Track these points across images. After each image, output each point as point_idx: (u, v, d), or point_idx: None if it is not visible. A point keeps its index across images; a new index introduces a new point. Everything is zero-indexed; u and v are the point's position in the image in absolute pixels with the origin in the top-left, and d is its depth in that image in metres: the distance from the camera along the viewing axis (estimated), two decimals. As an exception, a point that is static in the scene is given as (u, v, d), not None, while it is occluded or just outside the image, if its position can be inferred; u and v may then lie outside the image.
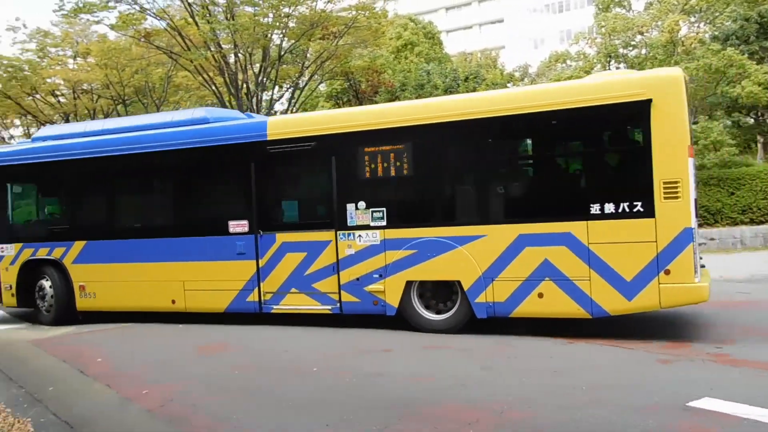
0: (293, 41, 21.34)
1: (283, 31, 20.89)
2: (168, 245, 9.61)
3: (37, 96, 29.11)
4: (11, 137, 37.28)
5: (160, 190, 10.10)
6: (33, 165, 10.62)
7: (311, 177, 8.95)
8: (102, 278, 10.15)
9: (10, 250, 10.74)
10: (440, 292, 8.26)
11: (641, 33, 20.41)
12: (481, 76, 21.39)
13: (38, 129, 34.24)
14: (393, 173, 8.24)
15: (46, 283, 10.58)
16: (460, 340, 7.86)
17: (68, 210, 10.65)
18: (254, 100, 20.85)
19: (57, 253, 10.42)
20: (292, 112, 22.69)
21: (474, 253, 7.82)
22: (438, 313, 8.32)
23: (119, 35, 25.22)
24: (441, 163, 8.13)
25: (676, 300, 6.96)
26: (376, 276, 8.40)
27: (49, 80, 28.49)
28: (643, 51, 20.55)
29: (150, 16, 20.39)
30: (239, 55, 20.63)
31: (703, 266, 7.54)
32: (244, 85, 20.75)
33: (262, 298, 9.11)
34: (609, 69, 21.41)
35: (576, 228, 7.28)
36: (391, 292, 8.35)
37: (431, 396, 5.81)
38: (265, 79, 20.86)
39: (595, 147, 7.45)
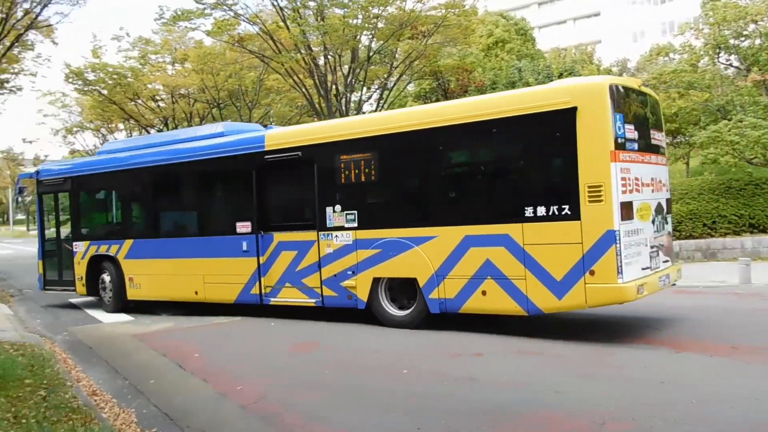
0: (382, 42, 21.52)
1: (372, 32, 21.11)
2: (191, 244, 11.10)
3: (139, 101, 30.86)
4: (115, 141, 39.73)
5: (184, 195, 11.61)
6: (94, 175, 12.57)
7: (299, 183, 9.84)
8: (145, 271, 11.75)
9: (81, 247, 12.66)
10: (405, 289, 8.96)
11: (755, 21, 19.17)
12: (576, 72, 20.77)
13: (140, 133, 36.38)
14: (362, 179, 9.18)
15: (106, 277, 12.36)
16: (552, 346, 7.68)
17: (120, 213, 12.56)
18: (343, 101, 21.17)
19: (113, 250, 12.19)
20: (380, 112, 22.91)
21: (428, 253, 8.55)
22: (401, 308, 9.07)
23: (214, 41, 26.31)
24: (398, 170, 8.97)
25: (600, 300, 7.39)
26: (350, 273, 9.29)
27: (149, 86, 30.14)
28: (757, 41, 19.30)
29: (243, 21, 21.16)
30: (329, 57, 21.02)
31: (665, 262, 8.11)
32: (333, 87, 21.12)
33: (263, 291, 10.24)
34: (717, 61, 20.29)
35: (513, 230, 7.85)
36: (361, 287, 9.21)
37: (526, 403, 5.68)
38: (353, 80, 21.15)
39: (528, 153, 7.95)
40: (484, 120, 8.08)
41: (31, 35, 17.58)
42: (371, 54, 21.58)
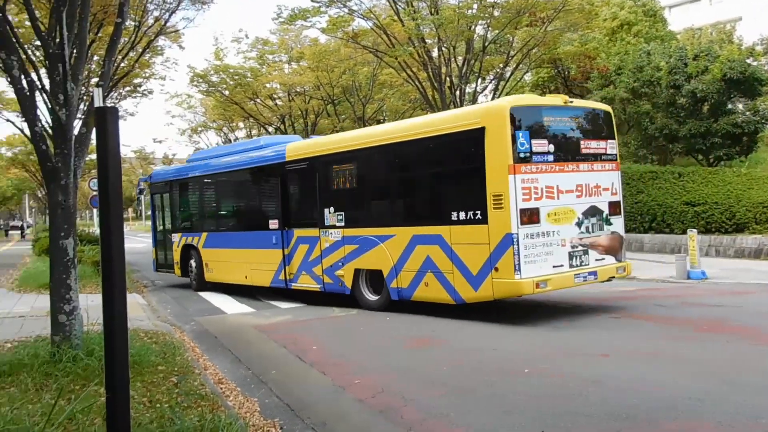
0: (498, 31, 21.12)
1: (488, 21, 20.77)
2: (240, 237, 13.58)
3: (258, 100, 32.25)
4: (236, 139, 41.73)
5: (235, 197, 14.33)
6: (181, 180, 15.68)
7: (309, 188, 11.95)
8: (215, 258, 14.48)
9: (176, 237, 15.81)
10: (375, 278, 10.78)
11: None
12: (713, 53, 19.34)
13: (258, 131, 37.84)
14: (346, 186, 11.24)
15: (192, 262, 15.28)
16: (685, 346, 7.21)
17: (198, 210, 15.42)
18: (458, 93, 20.99)
19: (195, 240, 15.12)
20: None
21: (389, 249, 10.38)
22: (375, 294, 10.84)
23: (329, 38, 26.97)
24: (366, 178, 10.99)
25: (503, 292, 8.88)
26: (340, 264, 11.25)
27: (267, 85, 31.41)
28: None
29: (357, 17, 21.50)
30: (443, 48, 20.91)
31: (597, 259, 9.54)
32: (448, 79, 20.98)
33: (287, 277, 12.38)
34: None
35: (444, 231, 9.50)
36: (347, 276, 11.16)
37: (661, 409, 5.32)
38: (468, 71, 20.90)
39: (453, 165, 9.59)
40: (421, 137, 9.86)
41: (160, 41, 18.81)
42: (486, 44, 21.24)
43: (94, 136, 7.19)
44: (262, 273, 12.96)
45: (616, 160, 10.07)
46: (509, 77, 24.07)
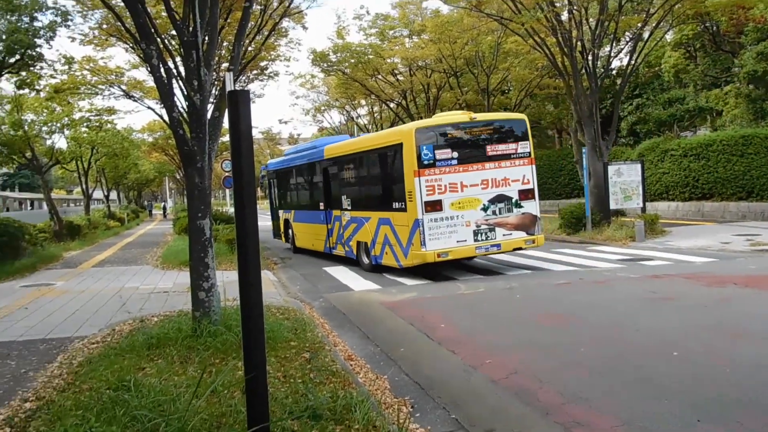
0: (634, -13, 19.83)
1: (623, -23, 19.55)
2: (309, 214, 18.23)
3: (379, 77, 32.52)
4: (358, 116, 42.46)
5: (303, 184, 19.06)
6: (278, 170, 21.35)
7: (336, 179, 16.33)
8: (298, 230, 19.54)
9: (281, 214, 21.28)
10: (366, 248, 14.62)
11: None
12: None
13: (380, 107, 38.13)
14: (350, 179, 15.59)
15: (290, 232, 20.31)
16: None
17: (289, 193, 20.65)
18: (590, 58, 20.01)
19: (289, 216, 20.33)
20: (633, 67, 21.22)
21: (369, 227, 14.31)
22: (368, 259, 14.52)
23: (451, 9, 26.58)
24: (356, 174, 15.41)
25: (417, 260, 12.53)
26: (351, 237, 15.28)
27: (388, 60, 31.57)
28: None
29: (480, -17, 20.95)
30: (573, 11, 19.97)
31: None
32: (579, 44, 20.04)
33: (330, 246, 16.74)
34: None
35: (391, 215, 13.34)
36: (354, 246, 15.23)
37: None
38: (602, 34, 19.84)
39: (391, 169, 13.48)
40: (377, 147, 14.15)
41: (285, 22, 19.36)
42: (623, 2, 20.04)
43: (226, 119, 7.54)
44: (319, 242, 17.53)
45: (528, 156, 13.41)
46: (648, 37, 22.60)
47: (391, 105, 36.10)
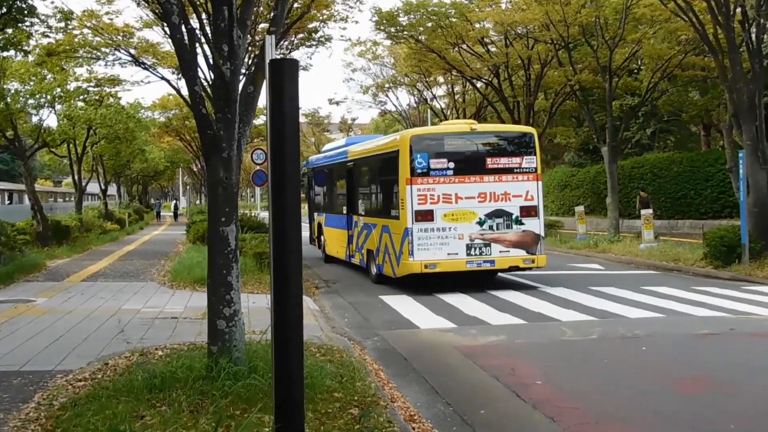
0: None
1: None
2: (337, 218, 21.71)
3: (464, 46, 32.51)
4: (433, 98, 42.60)
5: (331, 186, 23.18)
6: (314, 168, 25.32)
7: (357, 182, 20.09)
8: (328, 236, 23.35)
9: (315, 216, 25.29)
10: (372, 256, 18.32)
11: None
12: None
13: (463, 86, 38.21)
14: (365, 183, 19.55)
15: (322, 237, 24.03)
16: None
17: (320, 194, 24.60)
18: (753, 29, 19.50)
19: (322, 219, 24.08)
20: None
21: (375, 234, 17.83)
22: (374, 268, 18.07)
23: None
24: (369, 179, 19.42)
25: (405, 270, 15.96)
26: (363, 244, 18.84)
27: (477, 25, 31.53)
28: None
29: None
30: (731, -37, 19.52)
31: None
32: (738, 10, 19.56)
33: (350, 253, 20.47)
34: None
35: (389, 222, 16.85)
36: (365, 254, 18.84)
37: None
38: (770, -5, 19.32)
39: (390, 176, 16.88)
40: (379, 152, 18.13)
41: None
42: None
43: (262, 96, 7.67)
44: (342, 249, 21.15)
45: (534, 172, 16.50)
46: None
47: (479, 84, 36.05)
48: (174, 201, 76.90)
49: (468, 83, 37.36)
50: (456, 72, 34.40)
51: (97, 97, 29.56)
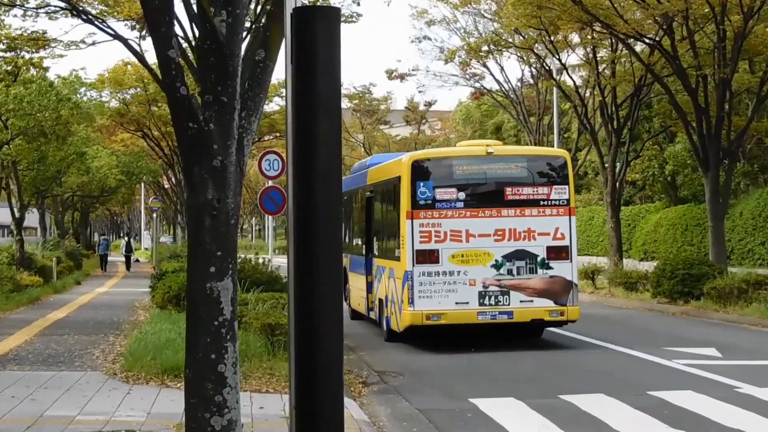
0: None
1: None
2: (357, 261, 26.67)
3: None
4: (562, 69, 42.44)
5: (354, 216, 28.28)
6: (345, 191, 27.03)
7: (373, 214, 25.37)
8: (351, 283, 27.85)
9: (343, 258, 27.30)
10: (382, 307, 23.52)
11: None
12: None
13: (615, 48, 38.12)
14: (377, 216, 25.16)
15: (348, 286, 27.84)
16: None
17: (347, 229, 28.11)
18: None
19: (347, 262, 27.45)
20: None
21: (384, 279, 22.74)
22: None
23: None
24: (379, 212, 24.77)
25: (406, 322, 20.54)
26: (376, 292, 23.99)
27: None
28: None
29: None
30: None
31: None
32: None
33: (369, 306, 25.24)
34: None
35: (393, 264, 21.61)
36: (377, 305, 23.87)
37: None
38: None
39: (394, 209, 21.75)
40: (385, 179, 22.91)
41: None
42: None
43: (278, 68, 7.67)
44: (363, 300, 25.45)
45: (566, 205, 20.04)
46: None
47: (638, 48, 35.85)
48: (126, 238, 77.58)
49: (619, 44, 37.17)
50: (600, 27, 34.34)
51: (8, 68, 30.00)
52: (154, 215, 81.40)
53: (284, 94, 4.19)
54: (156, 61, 8.03)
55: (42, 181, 46.87)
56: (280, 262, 32.16)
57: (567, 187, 19.83)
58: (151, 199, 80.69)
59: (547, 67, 43.23)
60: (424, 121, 73.66)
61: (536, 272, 19.26)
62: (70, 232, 73.07)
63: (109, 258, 69.32)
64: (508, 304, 19.02)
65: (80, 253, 62.38)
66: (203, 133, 7.68)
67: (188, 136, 7.74)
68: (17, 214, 44.29)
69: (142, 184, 79.00)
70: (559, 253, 19.36)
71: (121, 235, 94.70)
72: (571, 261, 19.71)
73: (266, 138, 59.19)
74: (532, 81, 47.52)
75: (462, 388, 16.37)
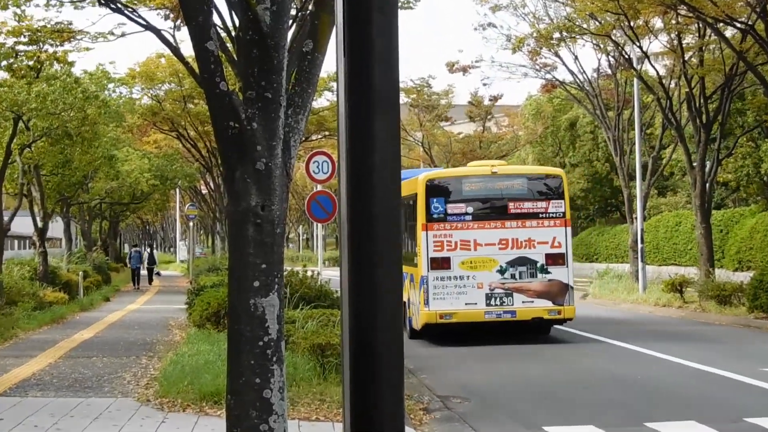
0: None
1: None
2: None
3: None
4: (644, 57, 42.30)
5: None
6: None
7: (406, 225, 31.20)
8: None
9: None
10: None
11: None
12: None
13: (701, 36, 38.02)
14: (406, 228, 31.25)
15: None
16: None
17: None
18: None
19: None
20: None
21: (407, 284, 29.69)
22: None
23: None
24: (406, 224, 31.43)
25: (423, 320, 28.56)
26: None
27: None
28: None
29: None
30: None
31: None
32: None
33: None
34: None
35: (413, 270, 29.28)
36: (404, 308, 26.24)
37: None
38: None
39: (413, 222, 29.88)
40: (408, 194, 28.60)
41: None
42: None
43: (329, 60, 7.69)
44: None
45: (562, 217, 26.14)
46: None
47: (728, 33, 35.66)
48: (149, 249, 77.65)
49: (709, 30, 36.97)
50: (686, 10, 34.19)
51: (30, 63, 30.16)
52: (191, 224, 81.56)
53: (335, 89, 4.15)
54: (192, 53, 8.04)
55: (67, 187, 46.80)
56: (331, 275, 32.58)
57: (563, 201, 25.84)
58: (187, 206, 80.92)
59: (626, 56, 43.12)
60: (489, 116, 73.54)
61: (536, 276, 25.31)
62: (98, 244, 73.08)
63: (142, 271, 69.06)
64: (512, 305, 25.03)
65: (109, 266, 62.55)
66: (245, 132, 7.70)
67: (229, 136, 7.77)
68: (40, 224, 43.84)
69: (177, 190, 79.49)
70: (556, 259, 25.23)
71: (149, 247, 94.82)
72: (567, 266, 25.78)
73: (314, 137, 59.45)
74: (609, 71, 47.37)
75: (535, 414, 16.35)
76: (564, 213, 25.15)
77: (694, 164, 40.42)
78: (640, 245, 43.98)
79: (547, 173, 26.49)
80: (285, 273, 21.53)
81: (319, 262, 39.69)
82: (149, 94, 46.21)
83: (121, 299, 47.35)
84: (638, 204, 44.59)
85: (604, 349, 26.11)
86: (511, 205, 25.06)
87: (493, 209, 25.53)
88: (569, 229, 25.01)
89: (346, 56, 3.93)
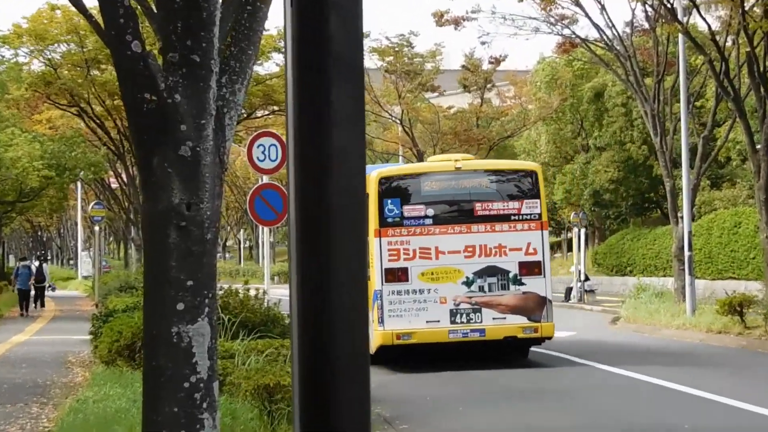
0: None
1: None
2: None
3: None
4: (692, 7, 42.56)
5: None
6: None
7: None
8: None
9: None
10: None
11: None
12: None
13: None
14: None
15: None
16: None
17: None
18: None
19: None
20: None
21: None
22: None
23: None
24: None
25: (376, 342, 30.79)
26: None
27: None
28: None
29: None
30: None
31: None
32: None
33: None
34: None
35: (370, 284, 32.22)
36: None
37: None
38: None
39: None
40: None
41: None
42: None
43: (274, 15, 7.71)
44: None
45: (537, 219, 28.60)
46: None
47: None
48: (36, 261, 77.57)
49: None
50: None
51: None
52: (97, 228, 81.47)
53: (284, 51, 4.02)
54: (96, 3, 8.05)
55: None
56: (282, 295, 32.64)
57: (538, 201, 26.97)
58: (91, 206, 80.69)
59: (669, 4, 43.30)
60: (489, 85, 73.52)
61: (508, 288, 26.76)
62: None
63: (32, 293, 68.31)
64: (480, 322, 26.42)
65: (-8, 284, 62.53)
66: (165, 107, 7.71)
67: (144, 112, 7.78)
68: None
69: (79, 184, 79.47)
70: (531, 268, 26.70)
71: (36, 257, 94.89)
72: (544, 276, 27.33)
73: (259, 114, 59.51)
74: (647, 25, 47.66)
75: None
76: (540, 214, 26.45)
77: (758, 146, 40.39)
78: (687, 253, 43.63)
79: (520, 168, 27.91)
80: (220, 292, 21.40)
81: (266, 277, 39.61)
82: (41, 58, 46.31)
83: (6, 328, 47.53)
84: (684, 199, 44.54)
85: (641, 389, 25.97)
86: (478, 206, 26.35)
87: (458, 211, 26.91)
88: (546, 232, 26.27)
89: (294, 4, 3.93)
